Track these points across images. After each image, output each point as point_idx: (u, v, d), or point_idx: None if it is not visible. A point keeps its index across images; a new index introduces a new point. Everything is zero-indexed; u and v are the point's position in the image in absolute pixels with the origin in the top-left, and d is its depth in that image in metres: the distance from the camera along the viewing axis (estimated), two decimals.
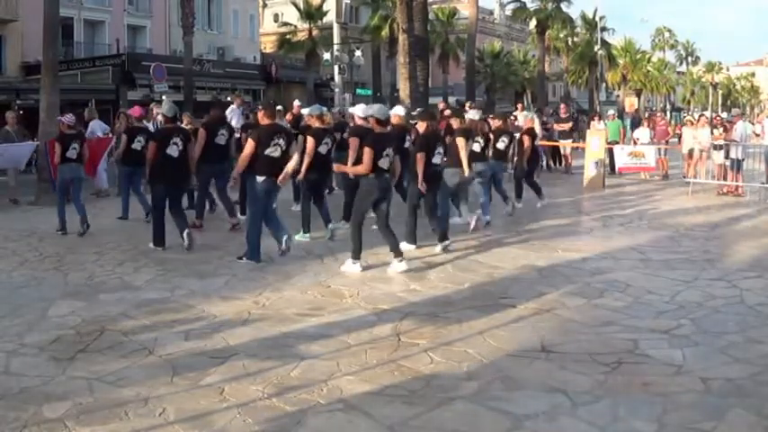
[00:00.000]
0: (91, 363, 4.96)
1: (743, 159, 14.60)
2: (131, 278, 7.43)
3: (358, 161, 8.08)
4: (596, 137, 16.30)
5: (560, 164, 19.76)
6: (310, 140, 9.30)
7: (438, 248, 8.59)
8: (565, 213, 11.94)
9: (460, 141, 9.47)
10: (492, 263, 8.06)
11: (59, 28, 15.31)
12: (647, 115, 29.35)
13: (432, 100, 25.96)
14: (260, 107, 8.98)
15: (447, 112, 12.29)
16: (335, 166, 8.56)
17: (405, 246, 8.34)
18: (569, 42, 57.50)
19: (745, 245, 9.22)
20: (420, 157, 8.47)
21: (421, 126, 9.02)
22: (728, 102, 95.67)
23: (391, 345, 5.32)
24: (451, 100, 44.79)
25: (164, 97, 20.44)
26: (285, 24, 45.00)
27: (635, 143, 18.62)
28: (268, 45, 47.56)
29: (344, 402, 4.29)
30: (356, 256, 7.67)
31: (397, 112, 10.76)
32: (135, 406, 4.24)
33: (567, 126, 19.40)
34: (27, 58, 30.15)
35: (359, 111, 10.11)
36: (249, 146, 7.96)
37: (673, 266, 7.88)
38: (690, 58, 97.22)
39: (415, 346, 5.29)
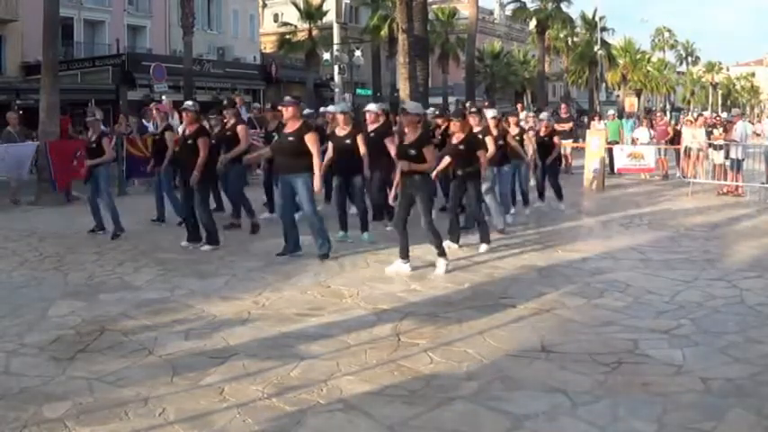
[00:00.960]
0: (91, 363, 4.96)
1: (743, 159, 14.59)
2: (131, 278, 7.43)
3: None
4: (596, 137, 16.30)
5: (560, 164, 19.72)
6: (362, 138, 9.21)
7: (483, 248, 8.55)
8: (565, 213, 11.93)
9: (490, 140, 9.55)
10: (492, 263, 8.06)
11: (59, 28, 15.32)
12: (644, 114, 29.29)
13: (432, 100, 25.94)
14: (290, 104, 8.77)
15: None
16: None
17: (448, 243, 8.27)
18: (569, 42, 57.50)
19: (745, 245, 9.22)
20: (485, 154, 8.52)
21: (456, 126, 8.94)
22: (728, 102, 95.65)
23: (391, 345, 5.32)
24: (451, 100, 44.89)
25: (163, 97, 20.44)
26: (285, 24, 45.01)
27: (634, 143, 18.64)
28: (268, 45, 47.56)
29: (344, 402, 4.29)
30: (442, 251, 7.55)
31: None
32: (135, 406, 4.24)
33: (567, 126, 19.41)
34: (27, 58, 30.16)
35: (375, 108, 10.10)
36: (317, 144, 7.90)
37: (673, 266, 7.88)
38: (690, 58, 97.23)
39: (414, 346, 5.28)
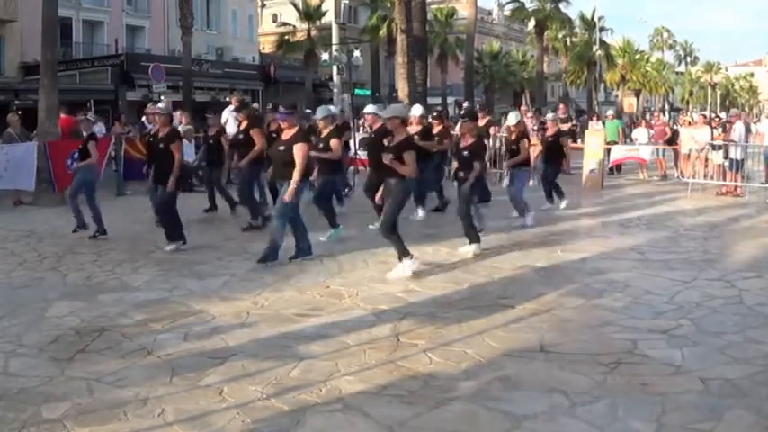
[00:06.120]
0: (90, 363, 4.96)
1: (742, 159, 14.57)
2: (130, 278, 7.43)
3: None
4: (595, 137, 16.31)
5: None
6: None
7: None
8: (564, 214, 11.92)
9: (526, 143, 10.26)
10: (491, 263, 8.05)
11: (58, 28, 15.32)
12: (639, 116, 29.28)
13: (430, 100, 25.94)
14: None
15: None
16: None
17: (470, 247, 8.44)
18: (568, 43, 57.58)
19: (744, 245, 9.22)
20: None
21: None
22: (727, 102, 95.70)
23: (390, 345, 5.32)
24: (450, 100, 44.92)
25: (162, 98, 20.43)
26: (284, 24, 45.03)
27: (632, 142, 18.68)
28: (267, 45, 47.56)
29: (343, 402, 4.29)
30: (406, 254, 7.46)
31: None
32: (134, 406, 4.24)
33: (565, 126, 19.40)
34: (26, 59, 30.12)
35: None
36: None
37: (672, 267, 7.88)
38: (688, 59, 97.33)
39: (414, 346, 5.28)
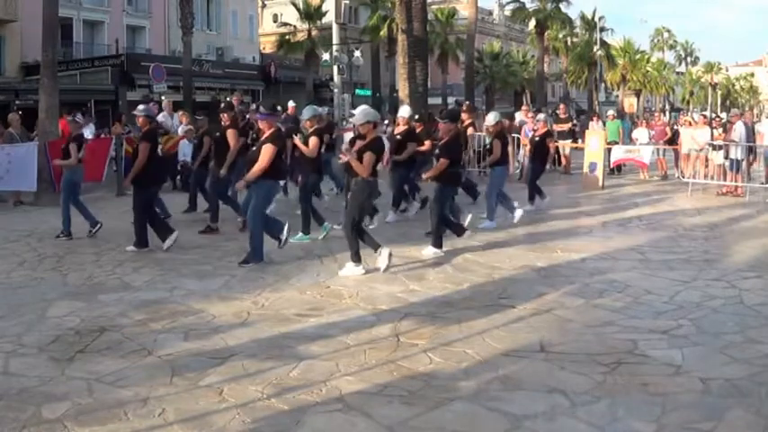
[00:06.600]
0: (90, 363, 4.96)
1: (742, 160, 14.55)
2: (130, 278, 7.43)
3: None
4: (595, 137, 16.31)
5: (559, 164, 19.75)
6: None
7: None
8: (564, 214, 11.93)
9: (498, 143, 10.29)
10: (491, 263, 8.06)
11: (58, 28, 15.31)
12: (639, 116, 29.29)
13: (431, 100, 25.94)
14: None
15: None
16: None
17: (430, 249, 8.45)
18: (568, 43, 57.55)
19: (744, 245, 9.22)
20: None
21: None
22: (728, 102, 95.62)
23: (390, 345, 5.32)
24: (451, 100, 44.93)
25: (163, 98, 20.44)
26: (284, 25, 45.02)
27: (633, 143, 18.68)
28: (267, 45, 47.58)
29: (343, 403, 4.29)
30: (357, 259, 7.61)
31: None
32: (134, 406, 4.24)
33: (566, 126, 19.41)
34: (26, 59, 30.15)
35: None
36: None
37: (672, 267, 7.88)
38: (689, 59, 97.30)
39: (414, 346, 5.28)
